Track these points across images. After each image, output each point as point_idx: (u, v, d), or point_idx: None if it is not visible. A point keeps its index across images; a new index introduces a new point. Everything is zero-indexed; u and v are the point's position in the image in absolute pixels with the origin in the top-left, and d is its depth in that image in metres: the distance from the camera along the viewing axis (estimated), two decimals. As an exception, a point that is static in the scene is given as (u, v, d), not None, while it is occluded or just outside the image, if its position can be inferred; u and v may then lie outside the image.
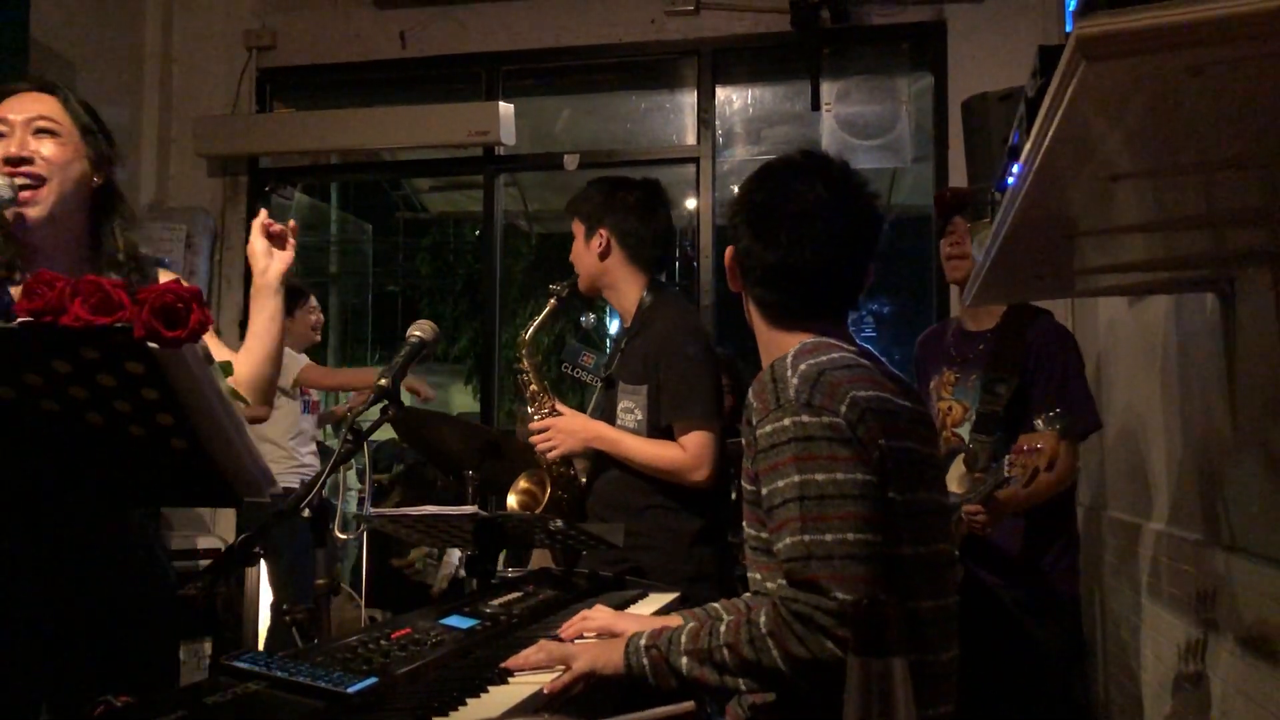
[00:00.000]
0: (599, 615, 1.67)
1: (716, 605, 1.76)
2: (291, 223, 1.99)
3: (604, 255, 2.57)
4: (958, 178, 3.95)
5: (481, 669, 1.45)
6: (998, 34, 4.33)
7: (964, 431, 2.66)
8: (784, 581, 1.40)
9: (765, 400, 1.49)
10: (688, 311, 2.61)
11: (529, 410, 2.63)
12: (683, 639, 1.43)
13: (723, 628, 1.42)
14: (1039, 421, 2.40)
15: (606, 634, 1.62)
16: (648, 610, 1.97)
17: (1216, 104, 1.05)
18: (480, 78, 5.09)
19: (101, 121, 1.86)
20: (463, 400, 11.72)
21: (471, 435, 2.98)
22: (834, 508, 1.38)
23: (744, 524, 1.63)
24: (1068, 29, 0.92)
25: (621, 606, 1.90)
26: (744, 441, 1.57)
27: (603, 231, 2.56)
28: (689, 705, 1.15)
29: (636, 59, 5.02)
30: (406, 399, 1.74)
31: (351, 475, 6.06)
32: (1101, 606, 3.44)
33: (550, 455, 2.53)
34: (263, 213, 1.97)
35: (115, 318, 1.21)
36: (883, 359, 1.66)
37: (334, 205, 8.52)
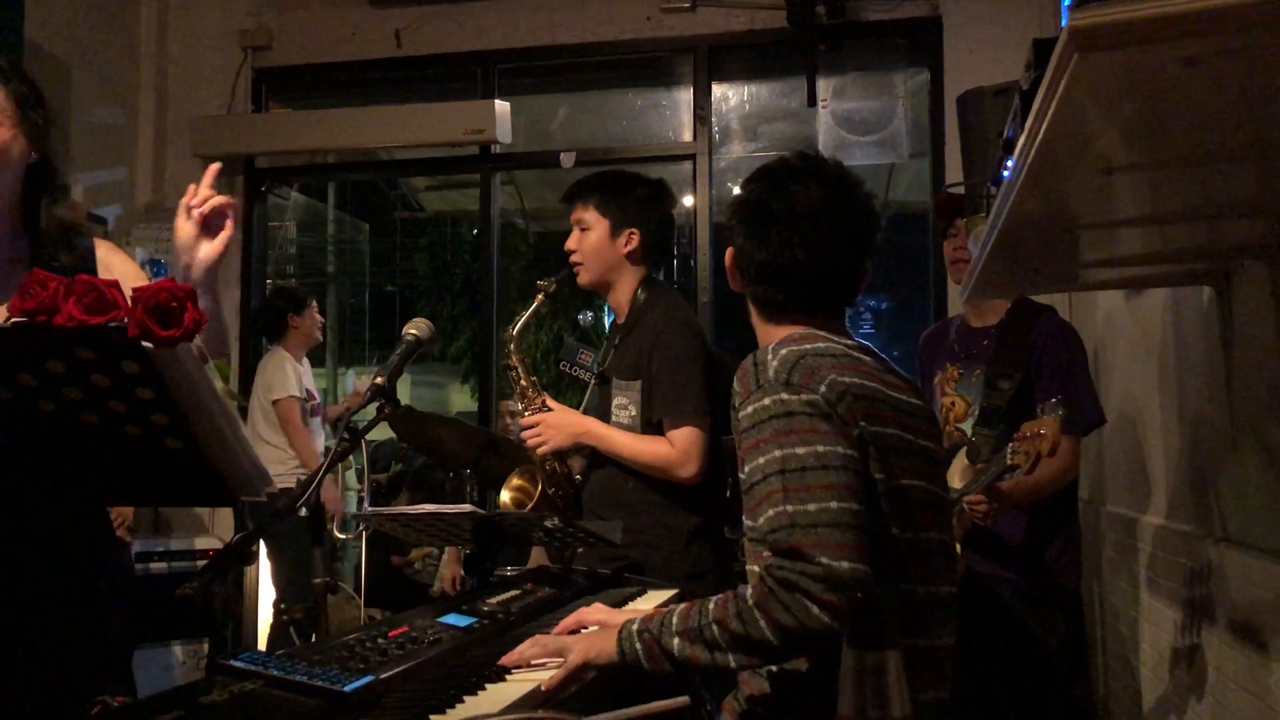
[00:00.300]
0: (595, 611, 1.68)
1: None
2: (227, 198, 1.71)
3: (631, 255, 2.56)
4: (954, 173, 3.95)
5: (479, 667, 1.45)
6: (994, 28, 4.33)
7: (967, 427, 2.66)
8: (768, 554, 1.40)
9: (746, 384, 1.52)
10: (681, 307, 2.61)
11: (519, 406, 2.62)
12: (674, 620, 1.43)
13: (711, 605, 1.42)
14: (1041, 409, 2.40)
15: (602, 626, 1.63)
16: (646, 607, 1.97)
17: (1211, 95, 1.04)
18: (476, 76, 5.09)
19: (39, 91, 1.79)
20: (461, 399, 11.74)
21: (469, 435, 2.98)
22: (815, 478, 1.39)
23: (743, 517, 1.63)
24: (1063, 22, 0.92)
25: (620, 604, 1.90)
26: (733, 431, 1.59)
27: (634, 232, 2.55)
28: (683, 700, 1.14)
29: (633, 56, 5.01)
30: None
31: (351, 475, 6.06)
32: (1100, 600, 3.44)
33: (540, 451, 2.53)
34: (190, 189, 1.70)
35: (109, 317, 1.21)
36: (882, 355, 1.67)
37: (331, 205, 8.52)
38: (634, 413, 2.46)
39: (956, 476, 2.56)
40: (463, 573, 4.38)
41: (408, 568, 5.39)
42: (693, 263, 4.89)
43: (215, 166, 1.81)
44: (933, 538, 1.56)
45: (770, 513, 1.40)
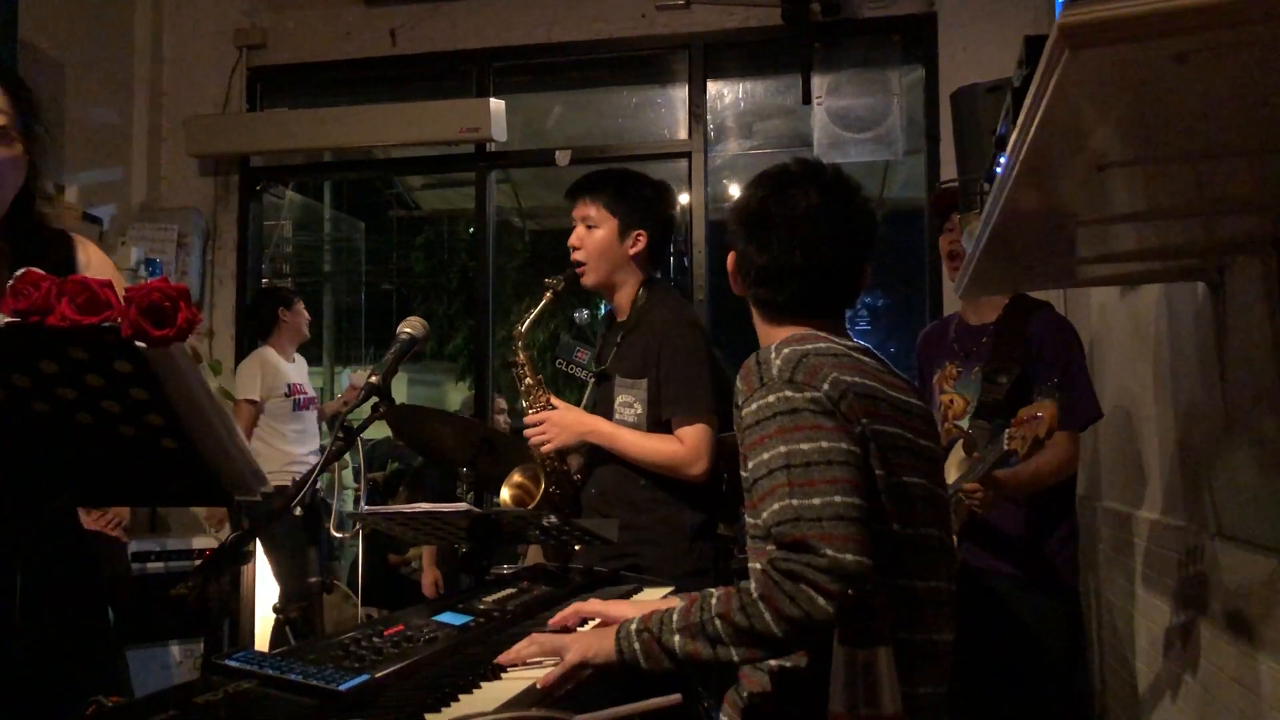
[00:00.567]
0: (591, 604, 1.68)
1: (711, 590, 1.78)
2: None
3: (638, 257, 2.55)
4: (949, 169, 3.95)
5: (475, 665, 1.45)
6: (988, 25, 4.32)
7: (965, 424, 2.66)
8: (772, 548, 1.40)
9: (750, 382, 1.54)
10: (685, 306, 2.61)
11: (524, 404, 2.61)
12: (674, 618, 1.44)
13: (713, 600, 1.43)
14: (1037, 394, 2.40)
15: (600, 619, 1.63)
16: (646, 599, 1.96)
17: (1202, 91, 1.05)
18: (471, 74, 5.08)
19: (34, 97, 1.82)
20: (457, 398, 11.72)
21: (465, 431, 2.97)
22: (820, 473, 1.41)
23: (744, 514, 1.64)
24: (1057, 18, 0.92)
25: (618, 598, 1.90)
26: (735, 428, 1.60)
27: (642, 234, 2.54)
28: (675, 697, 1.15)
29: (628, 54, 5.01)
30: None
31: (348, 474, 6.05)
32: (1096, 595, 3.45)
33: (544, 449, 2.53)
34: None
35: (102, 317, 1.21)
36: (882, 356, 1.68)
37: (326, 204, 8.49)
38: (639, 410, 2.45)
39: (954, 470, 2.56)
40: (440, 575, 4.41)
41: (404, 566, 5.40)
42: (688, 261, 4.89)
43: None
44: (932, 534, 1.57)
45: (775, 506, 1.41)
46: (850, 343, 1.65)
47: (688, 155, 4.87)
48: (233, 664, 1.27)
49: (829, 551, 1.34)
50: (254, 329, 4.82)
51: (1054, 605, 2.58)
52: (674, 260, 6.21)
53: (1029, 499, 2.55)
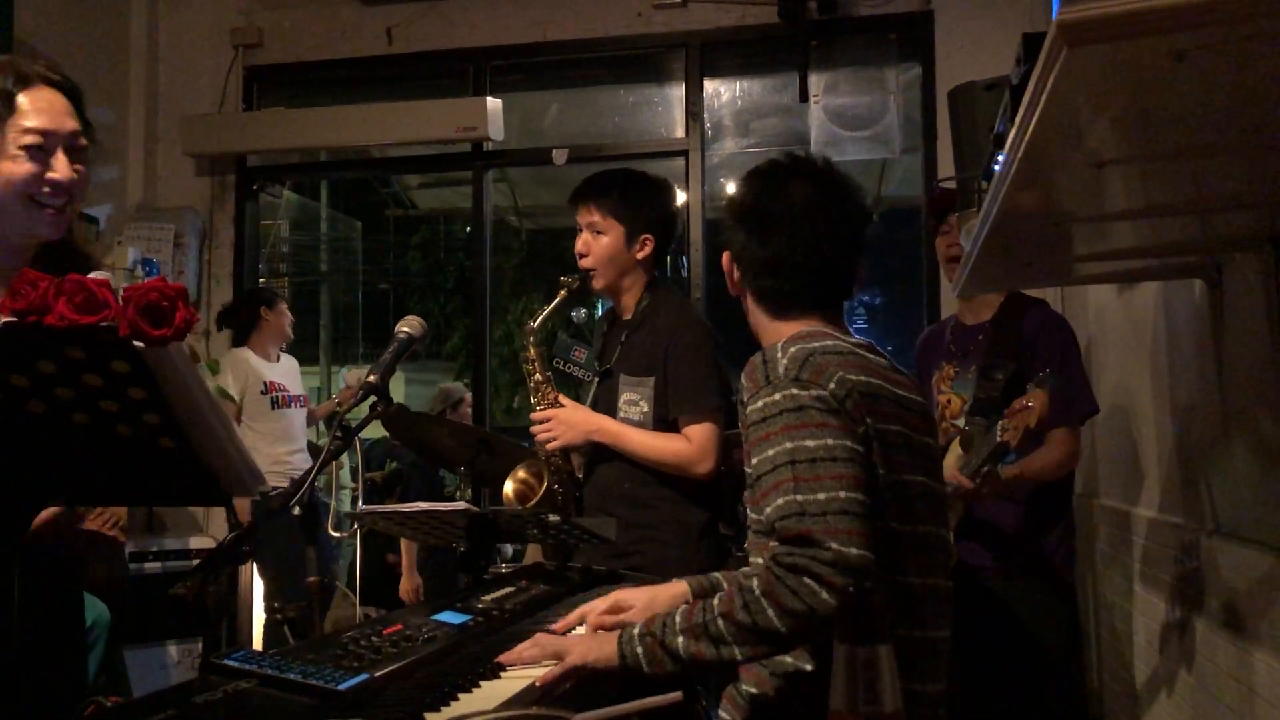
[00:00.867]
0: (634, 593, 1.68)
1: (717, 575, 1.80)
2: None
3: (645, 259, 2.55)
4: (947, 167, 3.95)
5: (474, 664, 1.45)
6: (985, 23, 4.33)
7: (961, 422, 2.67)
8: (775, 543, 1.40)
9: (755, 379, 1.54)
10: (690, 306, 2.61)
11: (531, 401, 2.60)
12: (677, 620, 1.44)
13: (716, 601, 1.42)
14: (1029, 385, 2.41)
15: (614, 611, 1.64)
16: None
17: (1200, 89, 1.04)
18: (468, 73, 5.08)
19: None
20: (455, 397, 11.69)
21: (462, 432, 2.98)
22: (825, 469, 1.41)
23: (747, 509, 1.65)
24: (1054, 15, 0.92)
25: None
26: (740, 425, 1.60)
27: (649, 237, 2.53)
28: (676, 695, 1.14)
29: (624, 52, 5.01)
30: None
31: (346, 474, 6.05)
32: (1094, 593, 3.46)
33: (550, 447, 2.52)
34: None
35: (100, 317, 1.21)
36: (885, 352, 1.69)
37: (323, 203, 8.49)
38: (645, 409, 2.45)
39: (951, 467, 2.56)
40: (420, 582, 4.42)
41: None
42: (685, 259, 4.89)
43: None
44: (930, 531, 1.58)
45: (779, 501, 1.41)
46: (854, 339, 1.65)
47: (685, 154, 4.87)
48: (232, 663, 1.27)
49: (833, 545, 1.34)
50: (235, 329, 4.79)
51: (1051, 602, 2.59)
52: (670, 259, 6.22)
53: (1026, 496, 2.56)
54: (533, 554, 2.94)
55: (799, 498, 1.39)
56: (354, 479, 5.76)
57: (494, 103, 4.80)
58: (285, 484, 4.18)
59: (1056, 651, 2.58)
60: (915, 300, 4.91)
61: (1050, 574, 2.58)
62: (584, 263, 2.55)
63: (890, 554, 1.48)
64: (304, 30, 5.15)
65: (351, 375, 5.96)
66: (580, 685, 1.44)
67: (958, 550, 2.49)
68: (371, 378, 1.65)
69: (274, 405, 4.62)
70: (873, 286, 8.04)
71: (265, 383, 4.62)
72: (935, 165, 4.41)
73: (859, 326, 7.86)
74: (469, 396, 5.12)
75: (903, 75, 4.74)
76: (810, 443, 1.43)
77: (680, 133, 4.93)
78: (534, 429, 2.53)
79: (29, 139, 1.65)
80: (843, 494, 1.39)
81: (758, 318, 1.74)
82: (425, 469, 5.01)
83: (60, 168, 1.66)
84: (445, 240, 11.61)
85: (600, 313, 3.08)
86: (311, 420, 5.10)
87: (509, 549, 3.77)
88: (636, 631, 1.46)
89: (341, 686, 1.22)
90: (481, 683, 1.37)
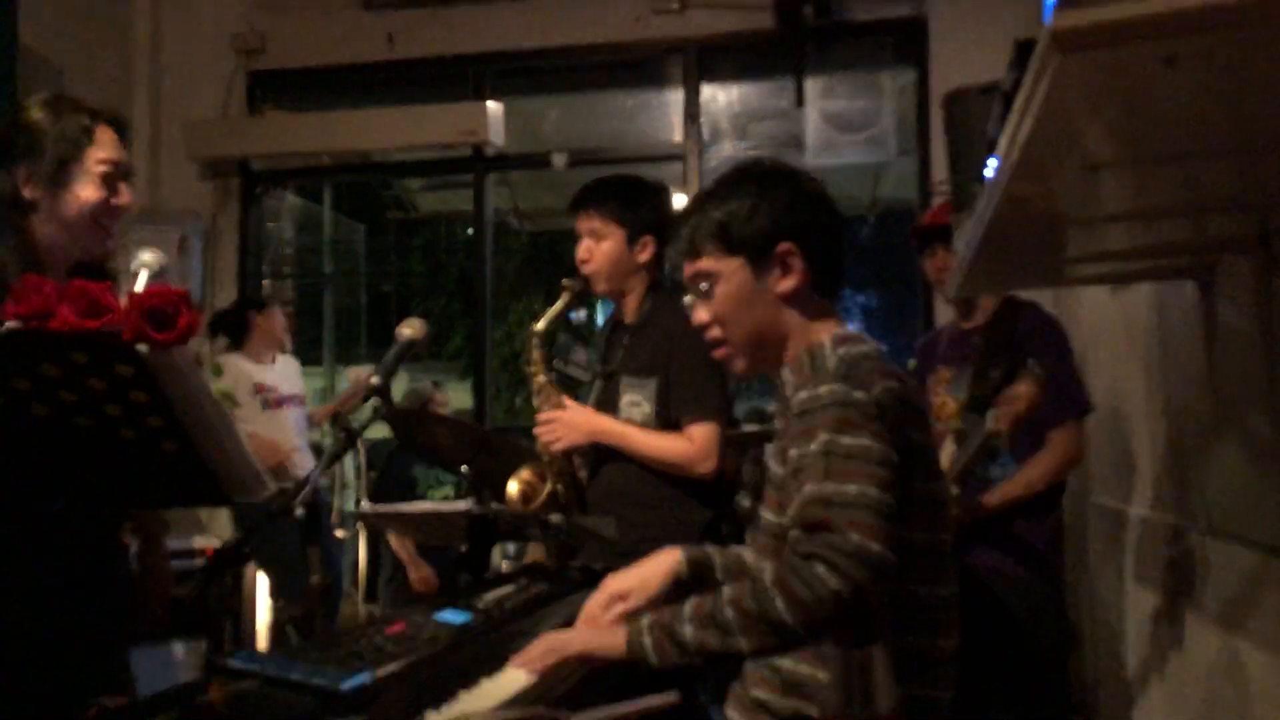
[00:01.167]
0: (599, 595, 1.67)
1: (710, 547, 1.76)
2: None
3: (647, 263, 2.56)
4: (941, 171, 3.97)
5: (475, 663, 1.46)
6: (980, 28, 4.34)
7: (955, 424, 2.69)
8: (795, 532, 1.39)
9: (803, 373, 1.54)
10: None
11: (534, 403, 2.61)
12: (687, 609, 1.43)
13: (726, 590, 1.42)
14: (1019, 375, 2.42)
15: (613, 603, 1.60)
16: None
17: (1192, 94, 1.06)
18: (468, 78, 5.10)
19: None
20: (456, 398, 11.72)
21: (463, 433, 2.98)
22: (859, 466, 1.40)
23: (761, 509, 1.66)
24: (1045, 19, 0.93)
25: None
26: (777, 421, 1.61)
27: (650, 239, 2.54)
28: (673, 696, 1.15)
29: (623, 58, 5.03)
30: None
31: (350, 472, 6.06)
32: (1087, 589, 3.47)
33: (554, 448, 2.53)
34: None
35: (104, 321, 1.22)
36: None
37: (326, 206, 8.51)
38: (648, 409, 2.47)
39: (945, 461, 2.58)
40: (430, 570, 4.40)
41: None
42: (684, 260, 4.89)
43: None
44: (943, 539, 1.59)
45: (809, 488, 1.40)
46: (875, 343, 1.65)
47: (682, 158, 4.89)
48: (235, 664, 1.28)
49: (855, 537, 1.33)
50: (229, 335, 4.78)
51: (1044, 599, 2.60)
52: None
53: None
54: (533, 553, 2.95)
55: (829, 487, 1.38)
56: (357, 477, 5.77)
57: (494, 107, 4.82)
58: (285, 484, 4.19)
59: (1049, 647, 2.59)
60: (911, 302, 4.92)
61: (1042, 570, 2.60)
62: (587, 269, 2.55)
63: (905, 563, 1.45)
64: (306, 36, 5.17)
65: (354, 373, 6.00)
66: (580, 685, 1.45)
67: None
68: (374, 379, 1.67)
69: (264, 406, 4.61)
70: (867, 288, 8.04)
71: (255, 384, 4.60)
72: (929, 168, 4.42)
73: (854, 328, 7.86)
74: (439, 396, 5.07)
75: (897, 79, 4.76)
76: (847, 440, 1.42)
77: (678, 137, 4.94)
78: (538, 430, 2.54)
79: (103, 168, 1.80)
80: (873, 491, 1.38)
81: (788, 319, 1.67)
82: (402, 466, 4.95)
83: (124, 195, 1.82)
84: (446, 242, 11.63)
85: (601, 314, 3.09)
86: (311, 423, 5.11)
87: (511, 547, 3.77)
88: (645, 623, 1.45)
89: (344, 686, 1.23)
90: (482, 681, 1.39)
